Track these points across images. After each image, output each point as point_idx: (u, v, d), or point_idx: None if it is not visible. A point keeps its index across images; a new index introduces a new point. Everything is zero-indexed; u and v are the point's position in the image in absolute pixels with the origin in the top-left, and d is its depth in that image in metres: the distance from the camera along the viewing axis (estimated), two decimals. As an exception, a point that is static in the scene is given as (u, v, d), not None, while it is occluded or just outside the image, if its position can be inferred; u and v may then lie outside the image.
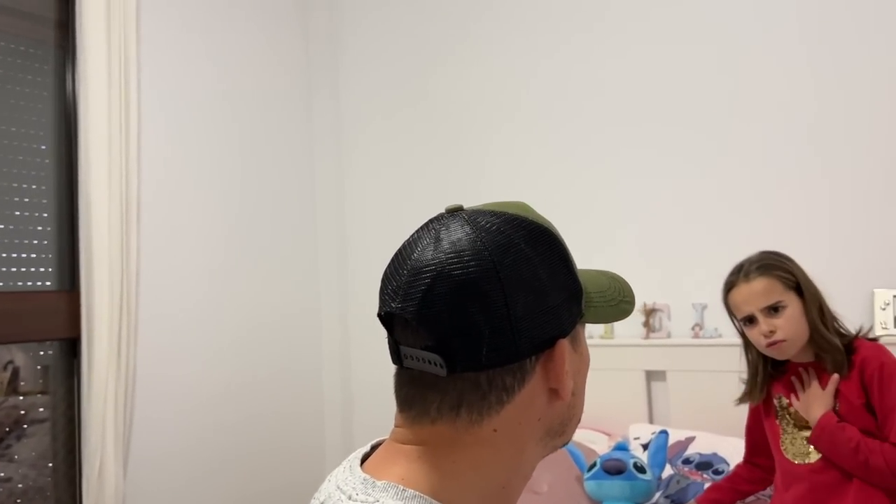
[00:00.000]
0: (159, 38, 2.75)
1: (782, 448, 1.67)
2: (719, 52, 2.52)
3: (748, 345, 1.74)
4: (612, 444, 2.24)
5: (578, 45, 2.80)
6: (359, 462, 0.67)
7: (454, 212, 0.66)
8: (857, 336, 1.64)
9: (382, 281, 0.66)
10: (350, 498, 0.62)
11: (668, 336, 2.55)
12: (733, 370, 2.31)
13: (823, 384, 1.60)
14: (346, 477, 0.66)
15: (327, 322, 3.33)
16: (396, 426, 0.66)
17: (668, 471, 2.10)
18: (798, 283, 1.61)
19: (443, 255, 0.62)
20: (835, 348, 1.59)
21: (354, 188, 3.38)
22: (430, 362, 0.62)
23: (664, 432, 2.09)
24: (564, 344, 0.63)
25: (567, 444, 0.71)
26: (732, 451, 2.09)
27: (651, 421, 2.51)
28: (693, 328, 2.51)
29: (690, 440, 2.21)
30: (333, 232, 3.37)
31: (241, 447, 2.91)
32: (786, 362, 1.70)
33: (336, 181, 3.39)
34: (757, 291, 1.60)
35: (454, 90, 3.10)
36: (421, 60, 3.21)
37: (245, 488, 2.90)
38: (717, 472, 2.06)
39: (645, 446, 2.23)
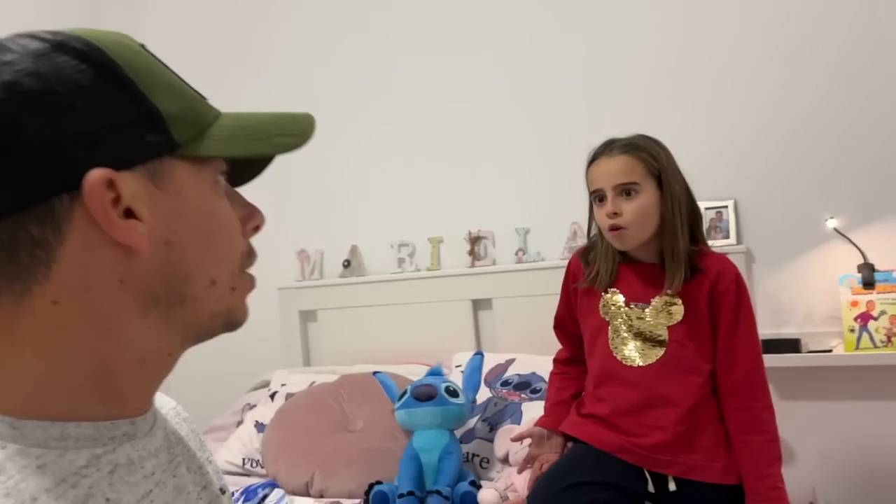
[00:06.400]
0: None
1: (611, 346, 1.53)
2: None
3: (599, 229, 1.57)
4: (432, 372, 2.15)
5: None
6: None
7: None
8: (702, 244, 1.52)
9: None
10: None
11: (493, 263, 2.49)
12: (556, 293, 2.28)
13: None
14: None
15: None
16: None
17: (487, 395, 2.03)
18: (660, 173, 1.45)
19: None
20: (678, 258, 1.45)
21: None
22: None
23: (479, 353, 2.01)
24: (101, 177, 0.47)
25: (217, 316, 0.55)
26: (549, 369, 2.03)
27: (479, 349, 2.45)
28: (517, 253, 2.45)
29: (510, 362, 2.15)
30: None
31: None
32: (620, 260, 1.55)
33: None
34: (614, 169, 1.45)
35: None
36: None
37: None
38: (534, 391, 2.00)
39: (466, 372, 2.16)
